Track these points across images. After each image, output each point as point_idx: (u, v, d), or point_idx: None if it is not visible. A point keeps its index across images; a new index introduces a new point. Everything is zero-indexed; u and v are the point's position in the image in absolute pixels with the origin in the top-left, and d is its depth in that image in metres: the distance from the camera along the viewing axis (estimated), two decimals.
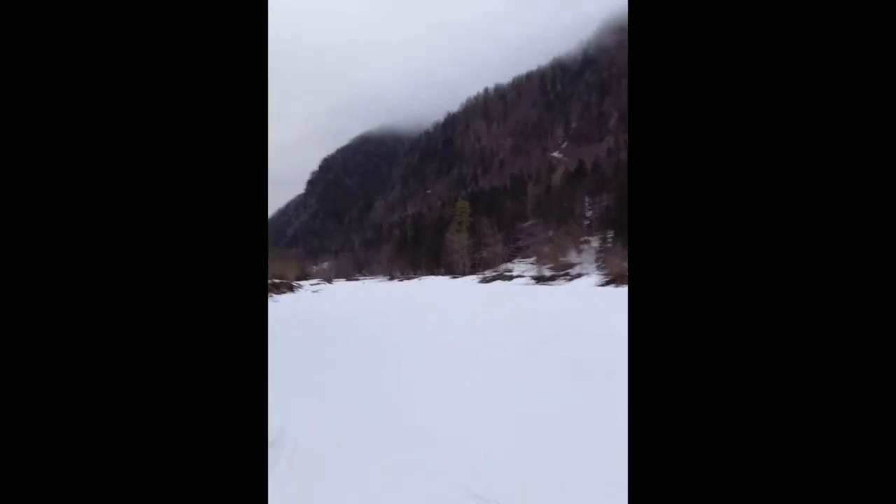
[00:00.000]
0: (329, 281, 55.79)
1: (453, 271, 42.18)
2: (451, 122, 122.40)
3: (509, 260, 34.84)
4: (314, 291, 25.43)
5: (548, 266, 26.17)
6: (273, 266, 32.52)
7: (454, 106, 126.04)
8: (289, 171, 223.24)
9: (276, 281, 23.15)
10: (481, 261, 40.36)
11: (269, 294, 18.53)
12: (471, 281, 26.58)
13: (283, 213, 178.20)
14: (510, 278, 27.65)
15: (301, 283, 42.15)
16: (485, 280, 23.55)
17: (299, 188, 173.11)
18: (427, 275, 48.32)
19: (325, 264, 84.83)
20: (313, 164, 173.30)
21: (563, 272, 24.45)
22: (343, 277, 66.16)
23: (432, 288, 22.89)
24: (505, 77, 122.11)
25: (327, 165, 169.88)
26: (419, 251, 53.67)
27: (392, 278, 52.38)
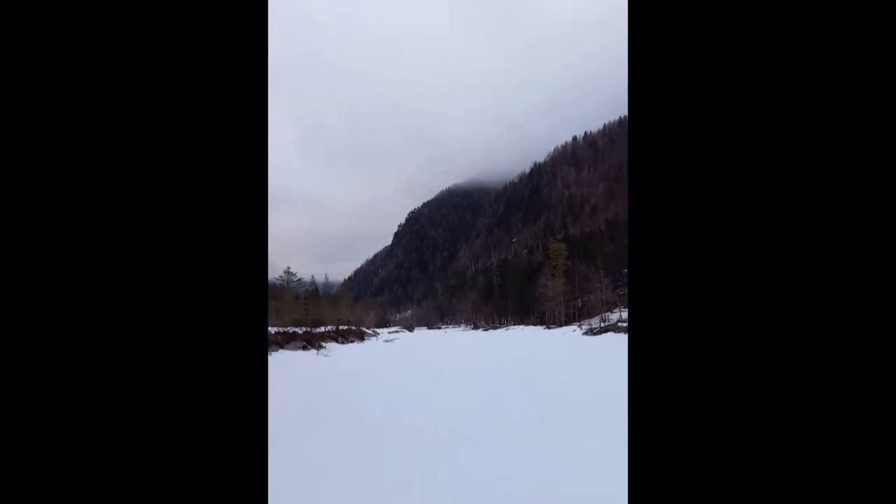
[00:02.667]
0: (410, 329, 54.15)
1: (547, 320, 37.65)
2: (538, 171, 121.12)
3: (613, 308, 29.68)
4: (387, 340, 23.05)
5: None
6: (353, 314, 31.60)
7: (541, 156, 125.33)
8: (380, 224, 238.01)
9: (344, 328, 21.50)
10: (580, 309, 35.47)
11: (326, 343, 16.73)
12: (572, 332, 22.18)
13: (371, 263, 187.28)
14: (624, 330, 22.73)
15: (379, 330, 40.96)
16: (591, 331, 18.90)
17: (388, 240, 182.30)
18: (516, 323, 44.14)
19: (408, 312, 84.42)
20: (401, 218, 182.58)
21: None
22: (425, 325, 64.38)
23: (528, 340, 17.71)
24: (595, 125, 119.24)
25: (413, 217, 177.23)
26: (506, 299, 50.02)
27: (476, 327, 48.96)
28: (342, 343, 18.07)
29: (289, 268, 25.39)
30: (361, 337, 22.66)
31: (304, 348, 12.03)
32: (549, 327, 31.85)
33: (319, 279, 40.37)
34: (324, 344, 15.15)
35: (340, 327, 21.50)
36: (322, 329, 17.82)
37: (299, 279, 26.03)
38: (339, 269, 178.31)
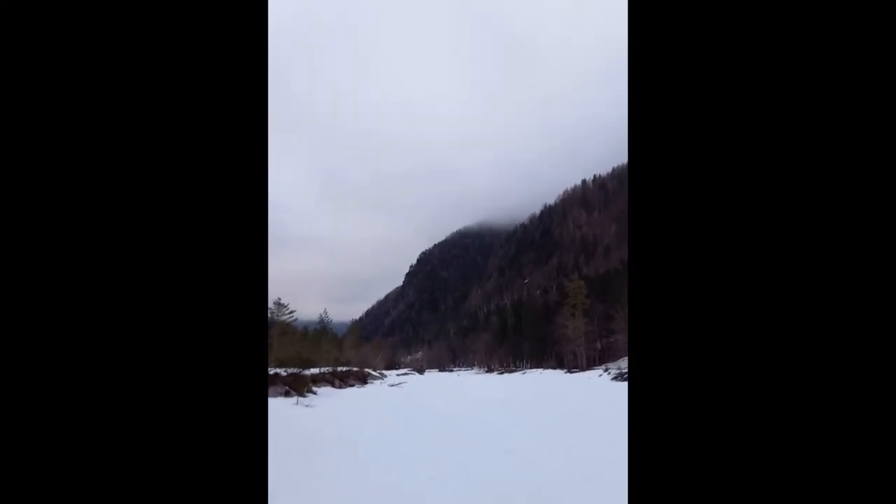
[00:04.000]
0: (420, 371, 51.30)
1: (566, 363, 34.90)
2: (549, 213, 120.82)
3: None
4: (392, 384, 20.85)
5: None
6: (357, 354, 29.57)
7: (551, 198, 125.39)
8: (392, 266, 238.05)
9: (343, 369, 19.54)
10: (600, 351, 32.81)
11: (319, 387, 14.75)
12: (598, 377, 19.70)
13: (382, 303, 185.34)
14: None
15: (387, 372, 38.47)
16: (622, 376, 15.97)
17: (400, 281, 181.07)
18: (532, 366, 41.23)
19: (419, 354, 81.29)
20: (413, 259, 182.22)
21: None
22: (436, 367, 61.31)
23: (551, 387, 14.46)
24: (604, 168, 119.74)
25: (425, 258, 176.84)
26: (521, 340, 47.34)
27: (490, 370, 46.00)
28: (340, 387, 16.05)
29: (279, 298, 23.69)
30: (364, 380, 20.53)
31: (287, 394, 10.10)
32: (570, 371, 29.19)
33: (335, 319, 38.51)
34: (315, 389, 13.22)
35: (339, 369, 19.43)
36: (313, 370, 15.85)
37: (291, 312, 24.12)
38: (354, 310, 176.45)
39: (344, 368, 20.78)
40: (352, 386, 17.71)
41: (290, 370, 11.91)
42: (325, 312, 24.61)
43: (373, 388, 18.15)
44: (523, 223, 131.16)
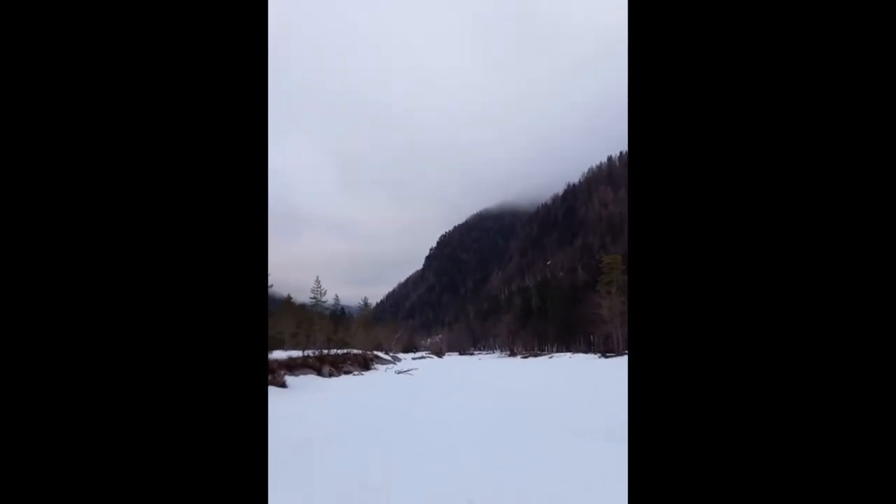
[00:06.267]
0: (439, 354, 48.56)
1: (594, 345, 31.22)
2: (572, 191, 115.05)
3: None
4: (400, 371, 17.58)
5: None
6: (369, 337, 26.65)
7: (574, 177, 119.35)
8: (412, 249, 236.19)
9: (340, 352, 16.36)
10: None
11: (297, 374, 11.19)
12: None
13: (402, 286, 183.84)
14: None
15: (403, 355, 35.73)
16: None
17: (420, 264, 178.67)
18: (559, 349, 37.74)
19: (438, 336, 78.78)
20: (433, 241, 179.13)
21: None
22: (456, 350, 58.57)
23: (594, 376, 10.69)
24: None
25: (445, 241, 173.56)
26: (546, 322, 43.77)
27: (513, 353, 42.73)
28: (330, 375, 12.95)
29: (318, 279, 20.85)
30: (365, 365, 17.43)
31: None
32: (605, 355, 25.50)
33: (354, 303, 35.66)
34: (288, 378, 10.14)
35: (333, 352, 16.29)
36: (289, 354, 12.70)
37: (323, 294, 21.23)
38: (373, 293, 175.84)
39: (342, 351, 17.68)
40: (348, 373, 14.64)
41: None
42: (318, 290, 21.44)
43: (373, 376, 14.99)
44: (545, 203, 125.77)
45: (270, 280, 15.86)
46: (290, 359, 11.75)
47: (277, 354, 11.99)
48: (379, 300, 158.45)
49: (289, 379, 10.36)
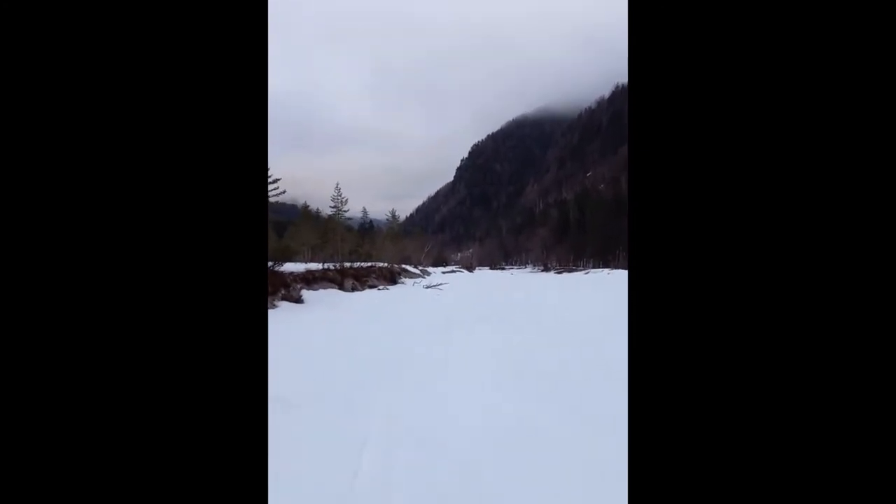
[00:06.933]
0: (469, 269, 48.34)
1: None
2: (621, 94, 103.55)
3: None
4: (428, 286, 16.44)
5: None
6: (396, 249, 25.69)
7: (626, 76, 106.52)
8: (445, 160, 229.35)
9: (364, 265, 15.25)
10: None
11: (316, 288, 9.88)
12: None
13: (433, 200, 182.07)
14: None
15: (432, 269, 35.28)
16: None
17: (450, 177, 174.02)
18: (597, 266, 36.24)
19: (469, 251, 78.80)
20: (465, 152, 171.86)
21: None
22: (487, 265, 58.40)
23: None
24: None
25: (477, 151, 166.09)
26: (585, 237, 41.73)
27: (546, 268, 41.70)
28: (353, 289, 11.99)
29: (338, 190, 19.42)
30: (392, 279, 16.56)
31: None
32: None
33: (383, 217, 34.64)
34: (304, 293, 9.09)
35: (355, 264, 15.31)
36: (307, 267, 11.63)
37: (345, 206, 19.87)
38: (403, 207, 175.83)
39: (366, 264, 16.74)
40: (372, 287, 13.74)
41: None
42: (338, 199, 19.99)
43: (399, 290, 14.07)
44: (590, 107, 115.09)
45: (288, 190, 14.41)
46: (309, 272, 10.71)
47: (294, 267, 10.95)
48: (409, 214, 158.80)
49: (306, 294, 9.36)
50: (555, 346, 4.59)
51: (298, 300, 8.63)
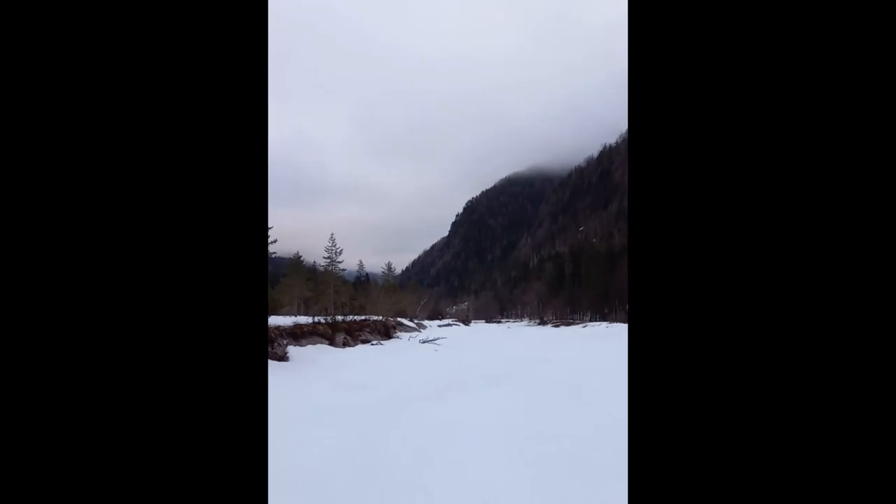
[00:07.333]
0: (465, 321, 47.35)
1: None
2: (608, 153, 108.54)
3: None
4: (425, 340, 15.93)
5: None
6: (390, 302, 25.22)
7: (611, 137, 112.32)
8: (438, 215, 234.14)
9: (357, 318, 14.69)
10: None
11: (304, 344, 9.30)
12: None
13: (428, 254, 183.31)
14: None
15: (428, 322, 34.52)
16: None
17: (445, 232, 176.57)
18: (594, 319, 35.57)
19: (464, 304, 77.84)
20: (459, 207, 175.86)
21: None
22: (482, 318, 57.35)
23: None
24: None
25: (471, 207, 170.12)
26: (580, 289, 41.43)
27: (543, 322, 40.90)
28: (345, 345, 11.39)
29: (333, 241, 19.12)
30: (386, 333, 15.90)
31: None
32: None
33: (378, 271, 34.36)
34: (291, 350, 8.54)
35: (347, 318, 14.74)
36: (295, 320, 11.10)
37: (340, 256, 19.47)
38: (398, 261, 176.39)
39: (360, 317, 16.14)
40: (366, 342, 13.11)
41: None
42: (333, 249, 19.78)
43: (393, 346, 13.43)
44: (579, 166, 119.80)
45: (280, 244, 14.20)
46: (297, 325, 10.17)
47: (280, 320, 10.42)
48: (404, 268, 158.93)
49: (293, 350, 8.79)
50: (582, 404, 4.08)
51: (283, 358, 8.06)
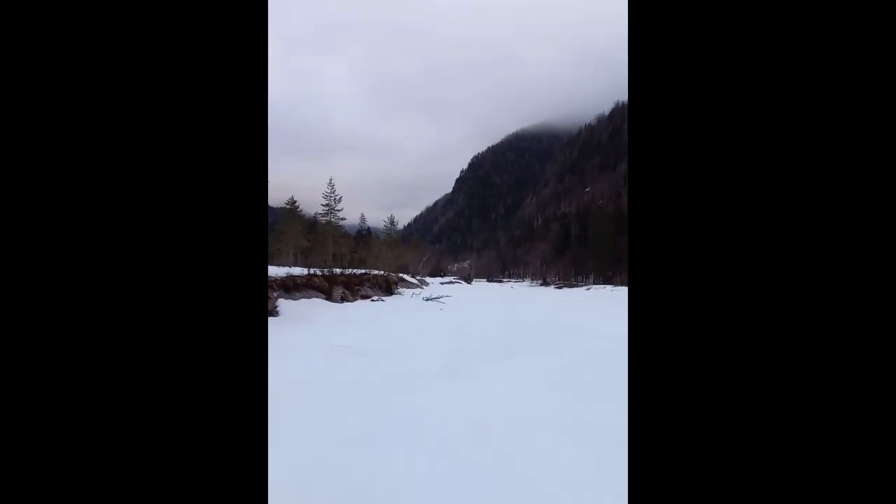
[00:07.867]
0: (467, 280, 47.11)
1: None
2: (621, 111, 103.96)
3: None
4: (428, 298, 15.22)
5: None
6: (393, 257, 24.46)
7: (626, 94, 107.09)
8: (443, 171, 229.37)
9: (357, 272, 13.96)
10: None
11: (298, 297, 8.47)
12: None
13: (430, 210, 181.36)
14: None
15: (430, 279, 34.10)
16: None
17: (449, 188, 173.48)
18: (597, 283, 35.12)
19: (466, 262, 77.62)
20: (465, 163, 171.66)
21: None
22: (484, 277, 57.16)
23: None
24: None
25: (477, 163, 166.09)
26: (585, 252, 40.69)
27: (546, 283, 40.53)
28: (343, 300, 10.72)
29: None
30: (388, 288, 15.24)
31: None
32: None
33: (379, 225, 33.35)
34: (281, 304, 7.82)
35: (346, 271, 13.99)
36: (288, 272, 10.33)
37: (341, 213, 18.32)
38: (401, 216, 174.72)
39: (359, 271, 15.41)
40: (365, 297, 12.46)
41: None
42: (331, 196, 18.74)
43: (394, 303, 12.79)
44: (589, 123, 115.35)
45: (277, 194, 13.15)
46: (290, 277, 9.41)
47: (273, 271, 9.62)
48: (406, 224, 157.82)
49: (284, 304, 8.08)
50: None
51: (271, 313, 7.36)
